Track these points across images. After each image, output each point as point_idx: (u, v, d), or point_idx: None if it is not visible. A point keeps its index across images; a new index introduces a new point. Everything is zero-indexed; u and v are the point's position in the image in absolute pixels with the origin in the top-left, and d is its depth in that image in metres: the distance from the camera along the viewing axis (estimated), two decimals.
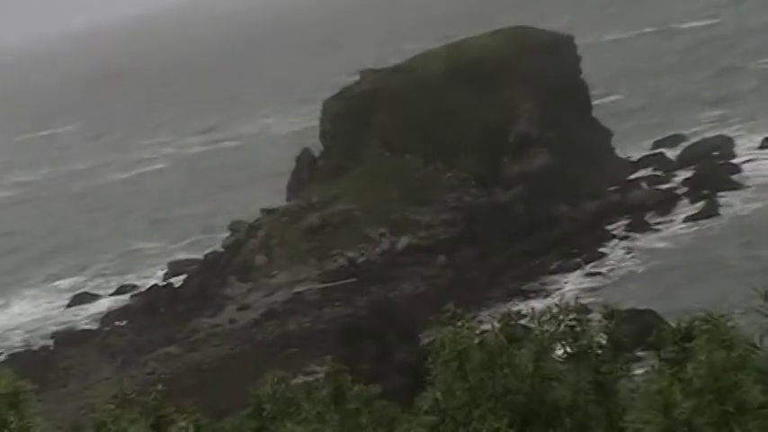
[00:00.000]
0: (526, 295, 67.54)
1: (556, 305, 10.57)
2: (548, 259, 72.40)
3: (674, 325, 9.84)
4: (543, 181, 77.34)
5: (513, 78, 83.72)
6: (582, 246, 73.62)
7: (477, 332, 10.42)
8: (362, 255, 74.55)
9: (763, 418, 8.23)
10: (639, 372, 10.25)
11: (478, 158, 80.00)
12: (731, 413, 8.35)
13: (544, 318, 10.54)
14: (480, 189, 78.43)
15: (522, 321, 10.81)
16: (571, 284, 68.58)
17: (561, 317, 10.47)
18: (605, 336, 10.43)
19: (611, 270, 69.69)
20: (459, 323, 10.34)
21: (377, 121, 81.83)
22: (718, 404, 8.41)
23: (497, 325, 10.35)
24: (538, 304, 59.85)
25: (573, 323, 10.50)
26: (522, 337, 10.62)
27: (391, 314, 63.57)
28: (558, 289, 67.93)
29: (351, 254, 74.64)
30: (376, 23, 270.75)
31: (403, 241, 74.92)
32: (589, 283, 68.43)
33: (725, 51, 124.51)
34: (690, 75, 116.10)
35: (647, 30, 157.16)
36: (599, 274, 69.56)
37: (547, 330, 10.49)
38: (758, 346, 8.94)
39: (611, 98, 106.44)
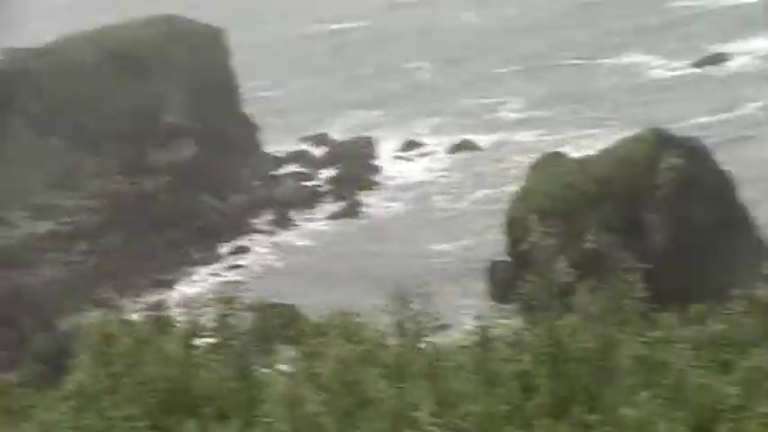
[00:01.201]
0: (170, 285, 67.56)
1: (205, 296, 10.71)
2: (192, 250, 72.64)
3: (311, 320, 10.16)
4: (190, 172, 77.32)
5: (164, 68, 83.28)
6: (226, 238, 74.23)
7: (124, 319, 10.48)
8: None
9: (385, 411, 8.55)
10: (281, 365, 10.49)
11: (126, 146, 79.06)
12: (355, 406, 8.65)
13: (192, 307, 10.67)
14: (126, 177, 77.56)
15: (171, 310, 10.95)
16: (214, 276, 69.02)
17: (209, 307, 10.62)
18: (250, 328, 10.57)
19: (253, 263, 70.55)
20: (106, 310, 10.40)
21: (20, 102, 79.53)
22: (344, 397, 8.67)
23: (145, 312, 10.46)
24: (181, 294, 59.86)
25: (220, 314, 10.64)
26: (170, 326, 10.71)
27: (28, 300, 62.08)
28: (201, 280, 68.26)
29: None
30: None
31: (43, 226, 73.14)
32: (232, 275, 69.06)
33: (373, 54, 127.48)
34: (337, 75, 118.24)
35: (301, 29, 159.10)
36: (242, 266, 70.29)
37: (195, 320, 10.60)
38: (385, 343, 9.37)
39: (261, 94, 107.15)
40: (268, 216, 78.04)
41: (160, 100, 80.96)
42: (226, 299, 10.75)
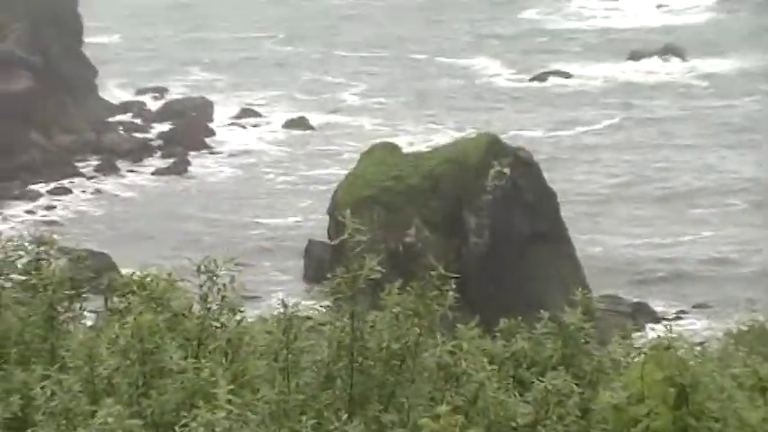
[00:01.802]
0: None
1: (19, 234, 10.48)
2: (11, 185, 71.16)
3: (122, 274, 10.03)
4: (20, 104, 75.56)
5: None
6: (47, 177, 72.93)
7: None
8: None
9: (181, 383, 8.53)
10: (87, 317, 10.37)
11: None
12: (150, 375, 8.61)
13: (8, 244, 10.44)
14: None
15: None
16: (30, 214, 67.81)
17: (21, 246, 10.40)
18: (61, 273, 10.37)
19: (72, 206, 69.50)
20: None
21: None
22: (139, 365, 8.62)
23: None
24: None
25: (33, 255, 10.45)
26: None
27: None
28: (16, 216, 67.03)
29: None
30: None
31: None
32: (49, 215, 67.90)
33: (225, 18, 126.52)
34: (185, 34, 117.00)
35: None
36: (61, 208, 69.16)
37: (5, 258, 10.36)
38: (189, 312, 9.32)
39: (104, 39, 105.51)
40: (94, 162, 76.88)
41: (1, 27, 78.93)
42: (40, 240, 10.50)
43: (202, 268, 9.05)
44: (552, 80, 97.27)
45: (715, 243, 62.17)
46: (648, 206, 67.83)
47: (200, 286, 9.13)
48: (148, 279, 9.41)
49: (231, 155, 79.72)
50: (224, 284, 9.12)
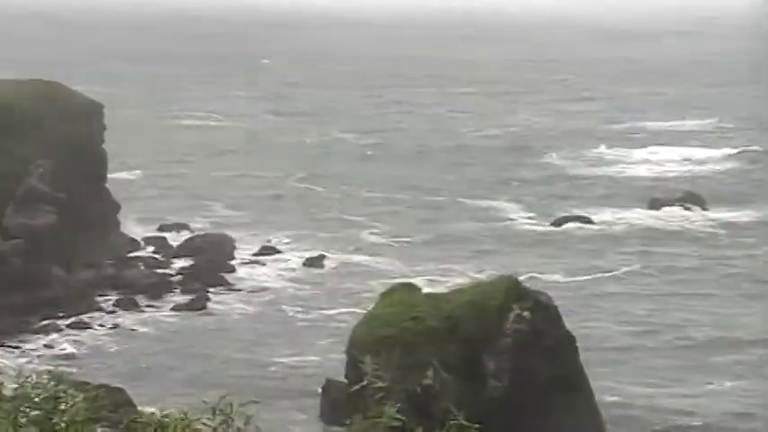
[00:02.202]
0: (3, 349, 66.18)
1: (37, 368, 10.53)
2: (32, 318, 71.36)
3: (145, 415, 10.03)
4: (44, 240, 76.10)
5: (33, 132, 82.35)
6: (68, 312, 73.11)
7: None
8: None
9: None
10: None
11: None
12: None
13: (28, 381, 10.48)
14: None
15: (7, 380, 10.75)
16: (49, 348, 67.83)
17: (39, 381, 10.42)
18: (76, 408, 10.36)
19: (92, 342, 69.45)
20: None
21: None
22: None
23: None
24: (13, 361, 58.36)
25: (50, 390, 10.47)
26: (5, 397, 10.51)
27: None
28: (36, 350, 67.03)
29: None
30: None
31: None
32: (68, 349, 67.88)
33: (251, 158, 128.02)
34: (205, 171, 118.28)
35: (175, 120, 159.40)
36: (80, 343, 69.15)
37: (23, 393, 10.39)
38: None
39: (127, 175, 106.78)
40: (114, 296, 77.07)
41: (26, 163, 79.85)
42: (58, 377, 10.56)
43: (217, 411, 9.03)
44: (572, 225, 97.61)
45: (735, 395, 61.58)
46: (667, 355, 67.21)
47: (214, 430, 9.10)
48: (167, 420, 9.41)
49: (250, 292, 79.83)
50: (238, 428, 9.09)
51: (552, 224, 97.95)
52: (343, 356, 53.16)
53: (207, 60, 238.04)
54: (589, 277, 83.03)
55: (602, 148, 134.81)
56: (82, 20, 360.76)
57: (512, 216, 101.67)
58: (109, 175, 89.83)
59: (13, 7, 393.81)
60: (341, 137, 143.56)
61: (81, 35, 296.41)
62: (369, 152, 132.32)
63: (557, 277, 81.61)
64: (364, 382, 8.70)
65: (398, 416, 8.59)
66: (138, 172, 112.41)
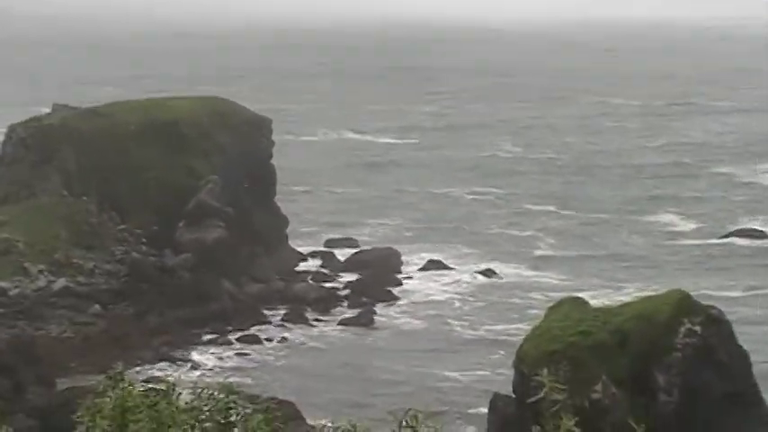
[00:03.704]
0: (175, 362, 67.44)
1: (209, 380, 10.67)
2: (202, 331, 72.65)
3: (316, 428, 10.06)
4: (214, 254, 77.52)
5: (205, 147, 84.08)
6: (237, 325, 74.18)
7: (144, 394, 10.45)
8: (16, 287, 72.44)
9: None
10: None
11: (155, 217, 79.54)
12: None
13: (204, 393, 10.64)
14: (151, 248, 77.79)
15: (177, 389, 10.91)
16: (220, 360, 68.89)
17: (219, 395, 10.58)
18: (250, 421, 10.47)
19: (261, 355, 70.31)
20: (125, 381, 10.38)
21: (60, 158, 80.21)
22: None
23: (165, 391, 10.40)
24: (185, 374, 59.49)
25: (222, 403, 10.60)
26: (180, 409, 10.66)
27: (31, 353, 61.98)
28: (207, 363, 68.16)
29: (4, 284, 72.39)
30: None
31: (60, 282, 73.29)
32: (237, 363, 68.84)
33: (411, 172, 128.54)
34: (375, 187, 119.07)
35: (343, 140, 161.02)
36: (249, 356, 70.08)
37: (205, 405, 10.56)
38: None
39: (295, 189, 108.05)
40: (282, 310, 77.96)
41: (197, 178, 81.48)
42: (228, 386, 10.71)
43: (404, 423, 9.03)
44: (744, 239, 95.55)
45: None
46: None
47: None
48: None
49: (417, 306, 79.94)
50: None
51: (723, 237, 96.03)
52: (511, 371, 52.86)
53: (378, 77, 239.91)
54: (763, 292, 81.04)
55: None
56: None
57: (678, 230, 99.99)
58: (278, 190, 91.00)
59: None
60: (508, 150, 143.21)
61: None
62: (535, 166, 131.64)
63: (729, 293, 79.84)
64: (541, 395, 8.57)
65: (576, 429, 8.47)
66: (307, 187, 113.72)
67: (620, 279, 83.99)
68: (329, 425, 9.94)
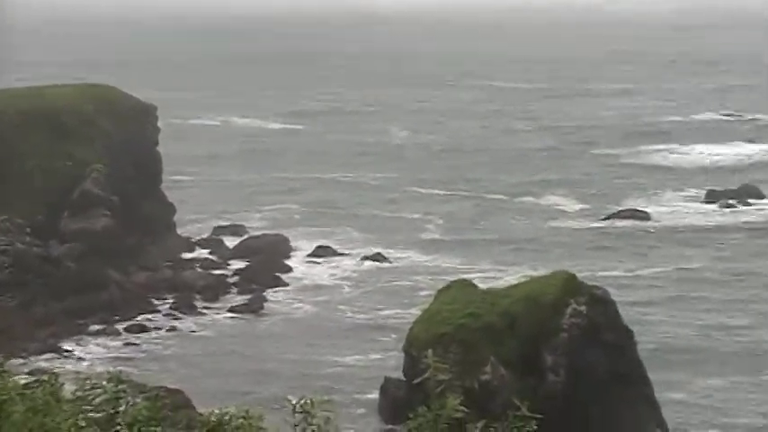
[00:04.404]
0: (61, 353, 66.64)
1: (96, 370, 10.58)
2: (89, 321, 71.86)
3: (206, 415, 10.04)
4: (100, 243, 76.64)
5: (89, 135, 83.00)
6: (125, 314, 73.50)
7: (21, 385, 10.31)
8: None
9: None
10: None
11: (38, 207, 78.32)
12: None
13: (88, 383, 10.53)
14: (35, 238, 76.61)
15: (61, 381, 10.79)
16: (107, 350, 68.24)
17: (106, 385, 10.48)
18: (137, 411, 10.40)
19: (149, 344, 69.77)
20: (6, 373, 10.22)
21: None
22: None
23: (33, 379, 10.27)
24: (72, 365, 58.70)
25: (110, 393, 10.51)
26: (62, 400, 10.55)
27: None
28: (94, 353, 67.44)
29: None
30: None
31: None
32: (126, 352, 68.23)
33: (305, 157, 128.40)
34: (263, 172, 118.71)
35: (230, 126, 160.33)
36: (137, 345, 69.49)
37: (89, 395, 10.45)
38: None
39: (182, 177, 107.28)
40: (171, 299, 77.41)
41: (81, 166, 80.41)
42: (117, 378, 10.61)
43: (298, 407, 9.03)
44: (629, 219, 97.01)
45: None
46: (727, 358, 65.68)
47: (295, 426, 9.13)
48: (227, 418, 9.40)
49: (307, 292, 79.91)
50: (318, 425, 9.09)
51: (607, 218, 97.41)
52: (401, 355, 53.16)
53: (269, 62, 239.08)
54: (647, 272, 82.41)
55: (655, 142, 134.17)
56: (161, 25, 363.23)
57: (565, 212, 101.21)
58: (164, 175, 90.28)
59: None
60: (396, 135, 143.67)
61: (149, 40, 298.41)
62: (423, 151, 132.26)
63: (613, 273, 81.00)
64: (426, 375, 8.64)
65: (461, 407, 8.54)
66: (192, 176, 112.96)
67: (508, 261, 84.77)
68: (219, 411, 9.90)
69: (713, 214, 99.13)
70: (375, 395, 57.40)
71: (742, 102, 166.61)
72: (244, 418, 9.58)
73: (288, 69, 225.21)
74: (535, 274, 65.78)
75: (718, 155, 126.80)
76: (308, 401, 9.04)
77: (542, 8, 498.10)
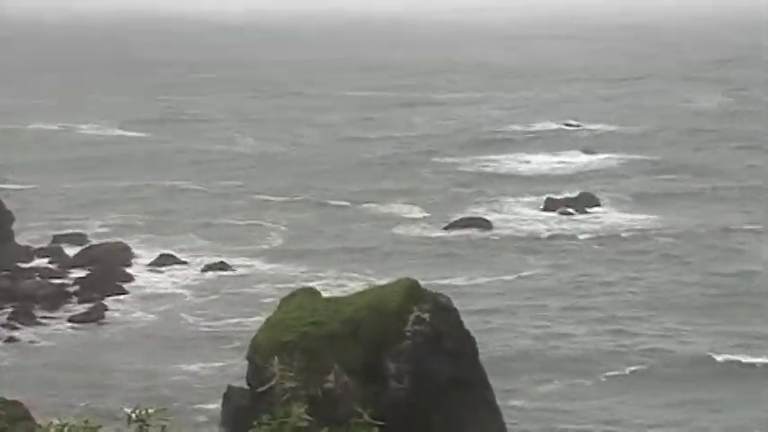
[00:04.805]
0: None
1: None
2: None
3: (45, 427, 9.95)
4: None
5: None
6: None
7: None
8: None
9: None
10: None
11: None
12: None
13: None
14: None
15: None
16: None
17: None
18: None
19: None
20: None
21: None
22: None
23: None
24: None
25: None
26: None
27: None
28: None
29: None
30: None
31: None
32: None
33: (143, 165, 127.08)
34: (94, 175, 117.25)
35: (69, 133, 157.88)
36: None
37: None
38: None
39: (20, 186, 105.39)
40: (9, 308, 75.89)
41: None
42: None
43: (133, 417, 9.00)
44: (471, 227, 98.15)
45: (638, 404, 62.36)
46: (564, 366, 66.66)
47: None
48: (66, 429, 9.34)
49: (149, 300, 79.12)
50: None
51: (450, 226, 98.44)
52: (245, 363, 52.98)
53: (103, 68, 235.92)
54: (489, 280, 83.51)
55: (497, 151, 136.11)
56: None
57: (408, 220, 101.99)
58: (2, 186, 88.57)
59: None
60: (240, 143, 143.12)
61: None
62: (268, 159, 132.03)
63: (456, 281, 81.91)
64: (272, 383, 8.71)
65: (306, 416, 8.63)
66: (31, 184, 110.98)
67: (352, 269, 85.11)
68: (58, 422, 9.83)
69: (551, 222, 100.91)
70: (218, 404, 57.09)
71: (581, 111, 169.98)
72: (83, 428, 9.52)
73: (131, 76, 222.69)
74: (379, 281, 66.18)
75: (557, 163, 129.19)
76: (144, 411, 9.02)
77: (389, 18, 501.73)
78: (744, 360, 65.97)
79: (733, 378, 63.59)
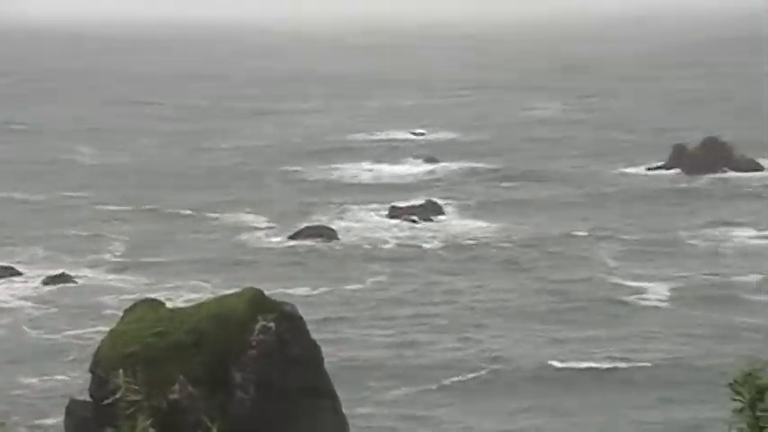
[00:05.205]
0: None
1: None
2: None
3: None
4: None
5: None
6: None
7: None
8: None
9: None
10: None
11: None
12: None
13: None
14: None
15: None
16: None
17: None
18: None
19: None
20: None
21: None
22: None
23: None
24: None
25: None
26: None
27: None
28: None
29: None
30: None
31: None
32: None
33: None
34: None
35: None
36: None
37: None
38: None
39: None
40: None
41: None
42: None
43: None
44: (316, 237, 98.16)
45: (489, 411, 63.02)
46: (416, 369, 66.95)
47: None
48: None
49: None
50: None
51: (295, 236, 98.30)
52: (88, 375, 52.10)
53: None
54: (335, 288, 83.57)
55: (342, 159, 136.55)
56: None
57: (254, 229, 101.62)
58: None
59: None
60: (82, 153, 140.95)
61: None
62: (110, 170, 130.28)
63: (301, 290, 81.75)
64: (117, 396, 8.52)
65: (151, 429, 8.47)
66: None
67: (197, 280, 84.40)
68: None
69: (396, 230, 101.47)
70: (60, 419, 56.03)
71: (424, 120, 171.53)
72: None
73: None
74: (224, 291, 65.72)
75: (401, 172, 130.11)
76: None
77: (231, 27, 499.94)
78: (583, 366, 67.10)
79: (573, 383, 64.64)
